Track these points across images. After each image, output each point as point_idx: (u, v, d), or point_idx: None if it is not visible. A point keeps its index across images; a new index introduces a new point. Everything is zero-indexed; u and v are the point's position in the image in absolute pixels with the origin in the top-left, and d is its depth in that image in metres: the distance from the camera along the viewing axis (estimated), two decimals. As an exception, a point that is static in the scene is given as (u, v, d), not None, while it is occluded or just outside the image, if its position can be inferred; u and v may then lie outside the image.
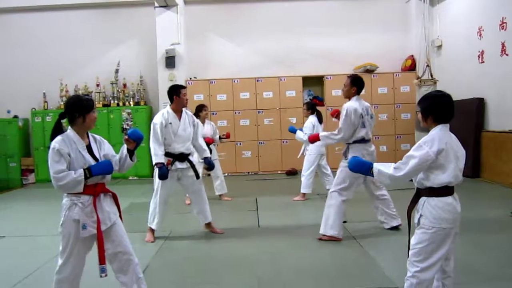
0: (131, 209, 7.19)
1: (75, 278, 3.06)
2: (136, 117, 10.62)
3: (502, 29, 8.23)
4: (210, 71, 11.20)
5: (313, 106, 7.62)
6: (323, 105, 10.80)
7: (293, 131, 7.38)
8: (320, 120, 7.44)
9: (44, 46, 11.24)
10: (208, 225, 5.54)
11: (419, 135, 9.09)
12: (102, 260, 3.01)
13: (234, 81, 10.85)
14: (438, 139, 2.70)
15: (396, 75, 10.99)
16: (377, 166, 2.85)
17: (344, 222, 5.56)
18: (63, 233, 2.99)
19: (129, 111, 10.71)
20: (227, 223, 5.99)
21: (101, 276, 3.01)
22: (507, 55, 8.13)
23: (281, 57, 11.22)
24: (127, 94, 11.01)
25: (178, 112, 5.23)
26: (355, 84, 5.07)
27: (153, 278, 3.99)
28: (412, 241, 2.79)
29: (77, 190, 2.93)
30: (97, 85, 11.03)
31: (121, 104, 10.94)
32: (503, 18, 8.19)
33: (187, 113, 5.35)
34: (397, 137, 10.87)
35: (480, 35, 8.94)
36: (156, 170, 5.05)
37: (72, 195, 2.99)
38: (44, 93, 11.04)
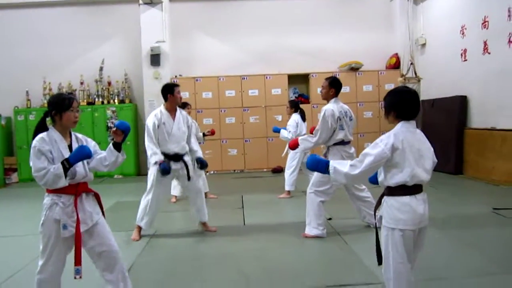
0: (116, 207, 7.14)
1: (57, 278, 3.03)
2: (121, 115, 10.53)
3: (484, 27, 8.35)
4: (196, 69, 11.16)
5: (296, 104, 7.65)
6: (308, 102, 10.86)
7: (277, 130, 7.44)
8: (303, 118, 7.47)
9: (27, 43, 11.07)
10: (204, 224, 5.52)
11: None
12: (77, 262, 2.96)
13: (220, 79, 10.83)
14: (394, 136, 2.61)
15: (381, 73, 11.08)
16: (333, 164, 2.75)
17: (329, 219, 5.62)
18: (44, 233, 2.96)
19: (114, 109, 10.63)
20: (213, 221, 5.97)
21: (75, 278, 2.97)
22: (489, 53, 8.25)
23: (266, 55, 11.23)
24: (111, 92, 10.91)
25: (172, 111, 5.19)
26: (333, 86, 5.10)
27: (139, 277, 3.98)
28: (382, 246, 2.73)
29: (61, 185, 2.88)
30: (81, 83, 10.91)
31: (105, 102, 10.85)
32: (485, 17, 8.31)
33: (182, 113, 5.31)
34: (382, 134, 10.93)
35: (462, 33, 9.06)
36: (152, 169, 5.05)
37: (53, 194, 2.95)
38: (27, 91, 10.89)
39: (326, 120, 4.94)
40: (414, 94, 2.74)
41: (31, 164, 2.90)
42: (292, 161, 7.41)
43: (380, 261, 2.76)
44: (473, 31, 8.71)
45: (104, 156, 3.15)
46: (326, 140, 5.03)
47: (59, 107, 3.00)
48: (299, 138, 5.29)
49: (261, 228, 5.60)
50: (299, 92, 11.33)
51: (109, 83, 10.97)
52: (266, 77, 10.89)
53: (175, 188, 7.22)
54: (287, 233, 5.27)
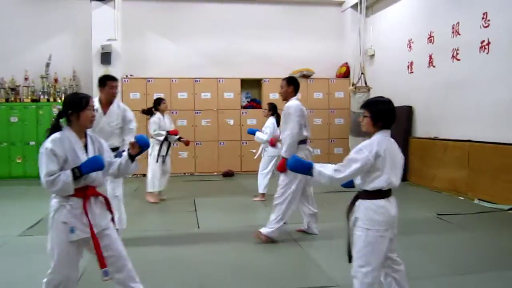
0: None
1: (70, 284, 2.87)
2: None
3: (430, 42, 8.77)
4: (148, 70, 10.98)
5: (274, 108, 7.67)
6: (260, 107, 10.94)
7: (252, 132, 7.46)
8: (278, 123, 7.50)
9: (-34, 34, 10.47)
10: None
11: (352, 140, 9.44)
12: (102, 264, 2.85)
13: (172, 81, 10.71)
14: (378, 144, 2.80)
15: (331, 81, 11.37)
16: (317, 167, 2.88)
17: (284, 223, 5.66)
18: (52, 236, 2.82)
19: (60, 106, 10.19)
20: (164, 224, 5.90)
21: (104, 280, 2.87)
22: (434, 66, 8.67)
23: (220, 59, 11.23)
24: (58, 90, 10.51)
25: (105, 104, 4.92)
26: (292, 83, 5.12)
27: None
28: (354, 246, 2.87)
29: (68, 193, 2.78)
30: (26, 79, 10.43)
31: (51, 99, 10.42)
32: (431, 32, 8.73)
33: (120, 106, 5.05)
34: (331, 141, 11.24)
35: (410, 46, 9.47)
36: None
37: (60, 196, 2.82)
38: (-35, 85, 10.28)
39: (296, 115, 4.90)
40: (393, 104, 2.92)
41: (40, 167, 2.75)
42: (268, 164, 7.42)
43: (350, 260, 2.91)
44: (419, 45, 9.12)
45: (115, 162, 3.07)
46: (298, 135, 4.93)
47: (77, 106, 2.88)
48: (282, 139, 5.12)
49: (215, 232, 5.57)
50: (252, 96, 11.40)
51: (56, 80, 10.57)
52: (219, 81, 10.88)
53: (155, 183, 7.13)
54: (242, 236, 5.26)
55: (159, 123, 7.25)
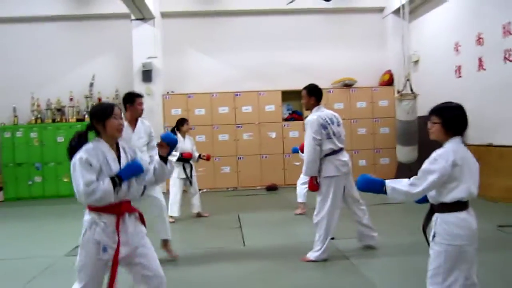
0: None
1: None
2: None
3: (479, 44, 8.36)
4: (188, 85, 11.01)
5: None
6: (302, 119, 10.73)
7: (296, 151, 7.33)
8: None
9: (15, 59, 10.84)
10: (165, 243, 5.04)
11: (400, 149, 9.09)
12: (110, 286, 2.73)
13: (212, 95, 10.69)
14: (453, 152, 2.61)
15: (374, 89, 11.06)
16: (390, 184, 2.71)
17: (332, 238, 5.41)
18: (82, 254, 2.73)
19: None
20: (209, 242, 5.77)
21: None
22: (484, 69, 8.25)
23: (259, 71, 11.14)
24: (102, 109, 10.67)
25: (132, 121, 4.88)
26: (313, 94, 4.88)
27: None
28: (430, 261, 2.67)
29: (107, 202, 2.67)
30: (71, 99, 10.68)
31: (95, 119, 10.59)
32: (479, 33, 8.32)
33: (144, 123, 5.01)
34: (376, 151, 10.88)
35: (456, 50, 9.07)
36: None
37: (94, 212, 2.72)
38: (14, 108, 10.61)
39: (312, 131, 4.69)
40: (464, 109, 2.75)
41: (76, 178, 2.65)
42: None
43: None
44: (467, 48, 8.71)
45: (151, 169, 2.97)
46: (316, 151, 4.70)
47: (102, 115, 2.81)
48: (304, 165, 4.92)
49: (263, 250, 5.38)
50: (293, 108, 11.23)
51: (100, 100, 10.75)
52: (260, 94, 10.79)
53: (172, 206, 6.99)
54: (291, 254, 5.04)
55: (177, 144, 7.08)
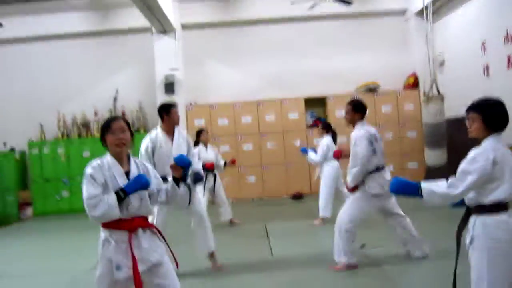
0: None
1: None
2: (137, 145, 10.30)
3: (507, 42, 8.09)
4: (210, 96, 11.01)
5: (328, 126, 7.39)
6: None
7: (304, 151, 7.21)
8: (335, 141, 7.18)
9: (40, 75, 11.02)
10: (212, 255, 4.98)
11: (429, 153, 8.84)
12: None
13: (235, 106, 10.65)
14: (493, 150, 2.47)
15: (399, 93, 10.84)
16: (426, 186, 2.56)
17: (362, 246, 5.25)
18: (99, 273, 2.67)
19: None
20: (237, 252, 5.67)
21: None
22: (514, 68, 7.98)
23: (281, 79, 11.04)
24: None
25: (169, 132, 4.82)
26: (358, 110, 4.75)
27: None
28: (472, 269, 2.51)
29: (114, 217, 2.60)
30: (95, 114, 10.79)
31: (120, 132, 10.67)
32: (507, 30, 8.06)
33: (181, 132, 4.96)
34: (404, 155, 10.62)
35: (483, 49, 8.81)
36: None
37: (106, 229, 2.67)
38: (41, 124, 10.78)
39: (364, 144, 4.56)
40: (505, 105, 2.62)
41: (83, 191, 2.64)
42: (325, 186, 7.08)
43: (455, 286, 2.62)
44: (495, 46, 8.44)
45: (163, 189, 2.90)
46: (367, 166, 4.60)
47: (102, 131, 2.79)
48: (349, 171, 4.78)
49: (291, 260, 5.25)
50: (316, 115, 11.09)
51: (123, 113, 10.81)
52: (282, 102, 10.69)
53: None
54: (320, 264, 4.90)
55: (199, 154, 7.01)
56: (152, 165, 4.55)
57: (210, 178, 7.18)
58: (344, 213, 4.70)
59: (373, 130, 4.79)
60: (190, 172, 4.64)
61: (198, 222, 4.93)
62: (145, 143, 4.76)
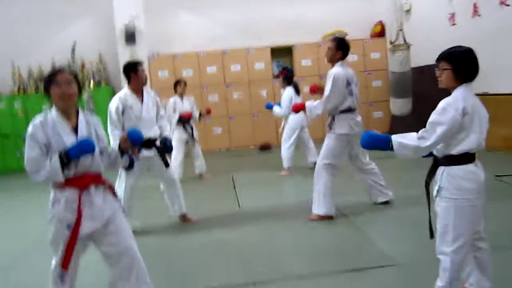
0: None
1: (71, 279, 2.61)
2: (97, 98, 9.96)
3: (473, -11, 8.05)
4: (174, 46, 10.60)
5: (288, 78, 7.32)
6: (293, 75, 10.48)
7: (269, 107, 7.22)
8: (297, 92, 7.16)
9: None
10: (184, 216, 4.98)
11: (394, 102, 8.89)
12: (64, 264, 2.50)
13: (200, 54, 10.35)
14: (463, 99, 2.41)
15: (366, 41, 10.77)
16: (396, 139, 2.52)
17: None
18: (51, 235, 2.56)
19: (89, 92, 10.04)
20: (206, 205, 5.66)
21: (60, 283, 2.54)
22: (479, 16, 7.98)
23: (247, 28, 10.72)
24: (86, 74, 10.32)
25: (138, 92, 4.64)
26: (341, 48, 4.65)
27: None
28: (438, 219, 2.52)
29: (57, 180, 2.47)
30: (53, 67, 10.27)
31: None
32: (473, -22, 8.00)
33: (149, 93, 4.81)
34: (370, 104, 10.69)
35: (450, -3, 8.75)
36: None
37: (56, 188, 2.54)
38: (-6, 78, 10.22)
39: (337, 84, 4.52)
40: (475, 53, 2.52)
41: (24, 153, 2.49)
42: (290, 136, 7.12)
43: (432, 235, 2.63)
44: (461, -6, 8.41)
45: (109, 151, 2.77)
46: (336, 106, 4.61)
47: (46, 84, 2.57)
48: (307, 104, 4.82)
49: (259, 211, 5.26)
50: (283, 65, 10.91)
51: (83, 65, 10.36)
52: (248, 51, 10.46)
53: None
54: (288, 215, 4.97)
55: (174, 106, 6.99)
56: (121, 125, 4.46)
57: (188, 128, 7.12)
58: (319, 156, 4.78)
59: (351, 71, 4.75)
60: (160, 140, 4.65)
61: (170, 185, 4.86)
62: (114, 103, 4.59)
